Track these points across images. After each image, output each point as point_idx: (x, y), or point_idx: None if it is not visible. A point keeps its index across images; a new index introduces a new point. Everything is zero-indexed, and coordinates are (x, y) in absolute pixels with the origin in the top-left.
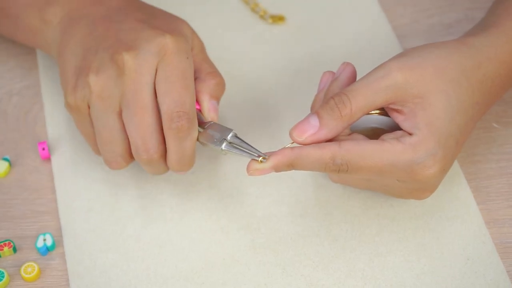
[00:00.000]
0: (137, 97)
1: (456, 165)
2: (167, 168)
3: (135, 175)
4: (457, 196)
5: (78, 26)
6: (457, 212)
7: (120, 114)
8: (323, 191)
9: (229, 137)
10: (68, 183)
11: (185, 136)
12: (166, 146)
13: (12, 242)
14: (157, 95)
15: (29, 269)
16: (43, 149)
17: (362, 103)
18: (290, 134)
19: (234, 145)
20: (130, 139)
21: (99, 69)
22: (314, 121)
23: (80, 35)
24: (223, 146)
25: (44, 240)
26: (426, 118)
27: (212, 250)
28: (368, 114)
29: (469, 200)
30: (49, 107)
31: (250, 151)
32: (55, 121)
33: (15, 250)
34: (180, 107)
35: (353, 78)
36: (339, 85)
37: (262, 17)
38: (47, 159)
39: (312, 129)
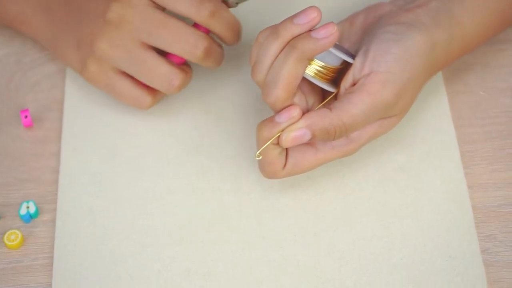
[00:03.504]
0: (151, 17)
1: (456, 156)
2: (221, 51)
3: (137, 126)
4: (450, 189)
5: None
6: (448, 207)
7: (144, 46)
8: (319, 166)
9: None
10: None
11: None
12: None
13: None
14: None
15: (12, 237)
16: (26, 117)
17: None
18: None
19: None
20: (177, 50)
21: (98, 33)
22: (307, 137)
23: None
24: None
25: (27, 207)
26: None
27: (200, 209)
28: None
29: (463, 196)
30: (70, 73)
31: None
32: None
33: None
34: None
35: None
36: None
37: None
38: (30, 126)
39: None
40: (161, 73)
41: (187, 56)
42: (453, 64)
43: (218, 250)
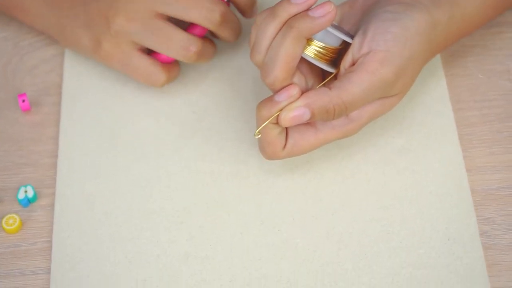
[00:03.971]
0: None
1: (454, 139)
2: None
3: (136, 110)
4: (449, 172)
5: None
6: (448, 190)
7: (160, 17)
8: (318, 149)
9: None
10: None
11: None
12: None
13: None
14: None
15: (11, 221)
16: (23, 101)
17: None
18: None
19: None
20: (193, 17)
21: (112, 8)
22: (306, 116)
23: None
24: None
25: (26, 192)
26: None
27: (199, 193)
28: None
29: (462, 179)
30: (68, 57)
31: None
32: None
33: None
34: None
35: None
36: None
37: None
38: (27, 111)
39: (302, 120)
40: (177, 40)
41: (205, 22)
42: (452, 47)
43: (217, 234)
